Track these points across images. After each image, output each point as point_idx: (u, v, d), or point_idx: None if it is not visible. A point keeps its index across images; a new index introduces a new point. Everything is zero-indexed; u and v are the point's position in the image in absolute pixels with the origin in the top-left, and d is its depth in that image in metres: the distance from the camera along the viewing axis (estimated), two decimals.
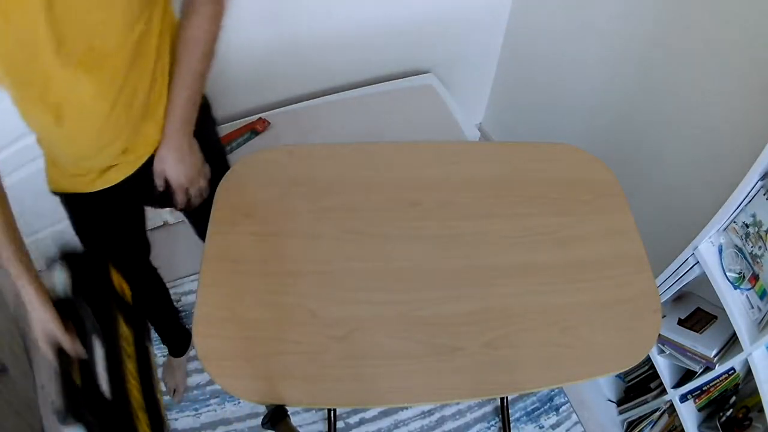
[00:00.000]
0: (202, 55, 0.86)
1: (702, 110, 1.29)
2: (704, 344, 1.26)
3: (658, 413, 1.49)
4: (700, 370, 1.29)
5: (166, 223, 1.97)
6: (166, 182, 0.95)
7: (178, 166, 0.92)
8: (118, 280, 0.87)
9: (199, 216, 1.23)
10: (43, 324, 0.77)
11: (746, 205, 1.08)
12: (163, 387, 1.64)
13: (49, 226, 1.73)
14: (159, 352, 1.69)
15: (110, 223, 1.10)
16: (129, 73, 0.81)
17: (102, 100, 0.82)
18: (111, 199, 1.01)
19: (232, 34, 1.60)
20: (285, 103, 1.85)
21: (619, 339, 0.93)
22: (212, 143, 1.13)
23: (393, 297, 0.94)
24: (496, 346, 0.90)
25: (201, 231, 1.31)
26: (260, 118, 1.79)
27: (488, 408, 1.67)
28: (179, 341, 1.60)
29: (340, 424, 1.60)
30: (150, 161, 0.94)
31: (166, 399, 1.62)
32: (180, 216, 1.77)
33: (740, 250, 1.17)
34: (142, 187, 0.99)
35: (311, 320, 0.91)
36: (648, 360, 1.49)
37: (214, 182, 1.06)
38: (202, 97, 0.93)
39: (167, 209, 1.82)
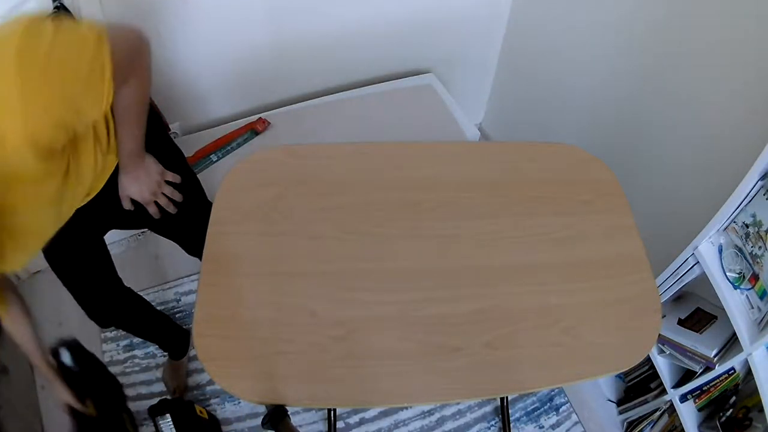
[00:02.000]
0: (136, 116, 0.95)
1: (702, 110, 1.29)
2: (704, 344, 1.26)
3: (658, 413, 1.49)
4: (700, 370, 1.29)
5: None
6: (135, 201, 1.06)
7: (137, 187, 1.03)
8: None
9: (182, 235, 1.28)
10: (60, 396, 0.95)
11: (746, 205, 1.08)
12: (163, 387, 1.64)
13: None
14: (159, 352, 1.70)
15: (79, 247, 1.12)
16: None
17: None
18: (80, 222, 1.01)
19: (232, 34, 1.61)
20: (285, 103, 1.85)
21: (619, 339, 0.93)
22: (175, 166, 1.16)
23: (393, 297, 0.94)
24: (496, 346, 0.90)
25: (189, 248, 1.34)
26: (260, 118, 1.80)
27: (488, 408, 1.67)
28: (177, 345, 1.59)
29: (340, 424, 1.60)
30: (112, 180, 1.03)
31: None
32: None
33: (740, 250, 1.17)
34: (109, 210, 1.06)
35: (311, 320, 0.91)
36: (648, 360, 1.49)
37: (191, 201, 1.15)
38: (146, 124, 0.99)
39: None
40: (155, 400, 1.49)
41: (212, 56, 1.64)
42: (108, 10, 1.33)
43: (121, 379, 1.65)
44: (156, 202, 1.08)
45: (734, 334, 1.16)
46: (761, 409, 1.12)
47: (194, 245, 1.30)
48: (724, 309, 1.16)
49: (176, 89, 1.66)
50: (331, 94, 1.88)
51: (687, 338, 1.30)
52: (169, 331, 1.56)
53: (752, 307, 1.15)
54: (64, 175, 0.81)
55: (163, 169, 1.07)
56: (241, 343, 0.88)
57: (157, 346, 1.69)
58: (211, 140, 1.74)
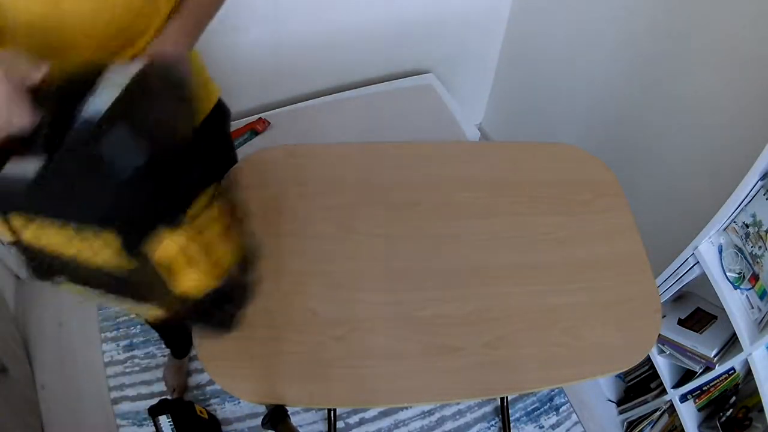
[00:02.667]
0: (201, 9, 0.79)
1: (702, 110, 1.29)
2: (704, 344, 1.26)
3: (658, 413, 1.49)
4: (700, 370, 1.29)
5: None
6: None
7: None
8: None
9: None
10: None
11: (746, 205, 1.08)
12: (163, 387, 1.64)
13: None
14: (159, 352, 1.70)
15: None
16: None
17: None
18: None
19: (232, 34, 1.61)
20: (285, 103, 1.85)
21: (619, 339, 0.93)
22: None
23: (393, 297, 0.94)
24: (496, 346, 0.90)
25: None
26: (260, 118, 1.79)
27: (488, 408, 1.67)
28: (182, 343, 1.60)
29: (340, 424, 1.60)
30: None
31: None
32: None
33: (740, 250, 1.17)
34: None
35: (311, 320, 0.91)
36: (648, 360, 1.49)
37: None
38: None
39: None
40: (155, 400, 1.49)
41: (212, 57, 1.64)
42: None
43: (121, 379, 1.65)
44: None
45: (734, 334, 1.16)
46: (761, 409, 1.12)
47: None
48: (724, 309, 1.16)
49: None
50: (331, 94, 1.88)
51: (687, 338, 1.30)
52: (178, 329, 1.57)
53: (752, 307, 1.15)
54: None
55: None
56: (241, 343, 0.88)
57: (157, 346, 1.69)
58: None
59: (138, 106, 0.53)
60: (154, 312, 0.65)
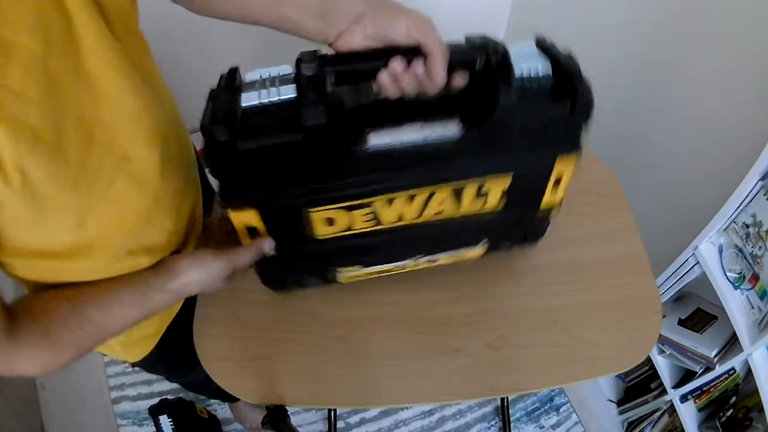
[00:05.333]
0: None
1: (702, 110, 1.29)
2: (704, 344, 1.26)
3: (658, 413, 1.49)
4: (701, 371, 1.29)
5: None
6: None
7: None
8: None
9: None
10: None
11: (746, 205, 1.08)
12: (163, 387, 1.64)
13: None
14: None
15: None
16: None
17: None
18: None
19: (234, 34, 1.61)
20: None
21: (620, 339, 0.93)
22: None
23: (394, 297, 0.94)
24: (496, 347, 0.90)
25: None
26: None
27: (488, 408, 1.68)
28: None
29: (340, 424, 1.60)
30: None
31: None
32: None
33: (740, 250, 1.17)
34: None
35: (312, 320, 0.91)
36: (648, 360, 1.49)
37: None
38: None
39: None
40: (155, 400, 1.49)
41: (214, 56, 1.64)
42: None
43: (121, 379, 1.66)
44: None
45: (734, 334, 1.16)
46: (761, 409, 1.12)
47: None
48: (724, 309, 1.16)
49: (178, 89, 1.66)
50: None
51: (687, 338, 1.30)
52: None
53: (752, 308, 1.15)
54: None
55: None
56: (241, 343, 0.88)
57: None
58: None
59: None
60: (473, 254, 0.85)
